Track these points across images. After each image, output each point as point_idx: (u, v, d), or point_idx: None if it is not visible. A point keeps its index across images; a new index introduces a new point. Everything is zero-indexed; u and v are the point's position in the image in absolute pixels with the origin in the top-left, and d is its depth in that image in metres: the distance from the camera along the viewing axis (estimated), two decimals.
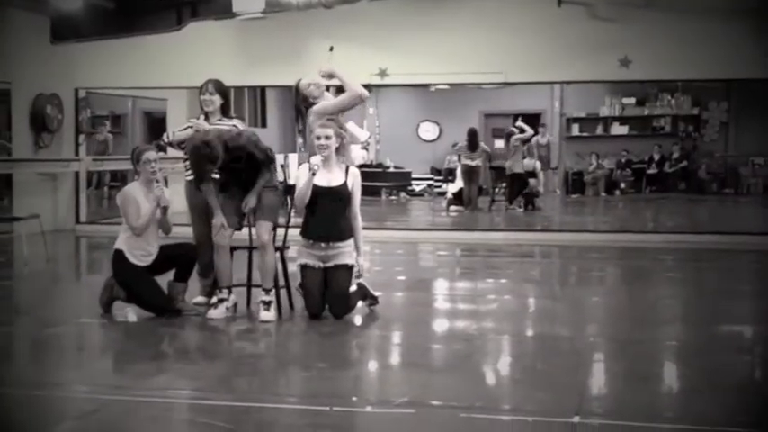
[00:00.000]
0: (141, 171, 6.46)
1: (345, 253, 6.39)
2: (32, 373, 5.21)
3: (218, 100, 6.78)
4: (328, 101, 6.90)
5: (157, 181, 6.47)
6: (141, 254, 6.42)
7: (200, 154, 6.24)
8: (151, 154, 6.47)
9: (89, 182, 14.42)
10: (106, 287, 6.54)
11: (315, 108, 6.79)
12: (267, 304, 6.31)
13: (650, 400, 4.48)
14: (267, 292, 6.35)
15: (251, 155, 6.38)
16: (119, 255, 6.42)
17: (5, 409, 4.38)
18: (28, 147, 12.48)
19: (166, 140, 7.23)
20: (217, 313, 6.35)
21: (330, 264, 6.38)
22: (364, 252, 6.60)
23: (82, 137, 13.37)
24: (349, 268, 6.40)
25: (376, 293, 6.73)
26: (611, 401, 4.57)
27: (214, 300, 6.48)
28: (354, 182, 6.48)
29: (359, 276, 6.55)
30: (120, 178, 15.12)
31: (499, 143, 16.12)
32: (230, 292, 6.47)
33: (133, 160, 6.51)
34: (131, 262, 6.39)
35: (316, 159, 6.34)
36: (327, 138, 6.35)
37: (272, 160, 6.52)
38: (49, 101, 12.62)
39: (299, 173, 6.52)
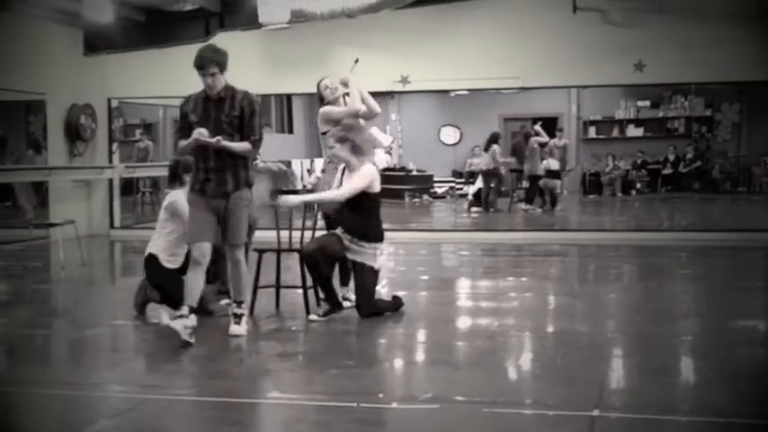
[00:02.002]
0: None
1: (368, 254, 6.51)
2: (69, 373, 5.38)
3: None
4: (335, 107, 7.03)
5: None
6: (172, 257, 6.60)
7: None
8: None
9: (132, 188, 14.67)
10: (140, 289, 6.73)
11: (321, 110, 7.01)
12: (239, 318, 6.07)
13: (667, 394, 4.57)
14: (239, 304, 6.10)
15: (242, 119, 5.87)
16: (151, 258, 6.61)
17: (44, 409, 4.51)
18: (63, 155, 12.79)
19: None
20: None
21: (351, 256, 6.52)
22: (386, 251, 6.70)
23: (115, 145, 13.60)
24: (375, 271, 6.54)
25: (400, 293, 6.91)
26: (630, 395, 4.64)
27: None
28: (363, 178, 6.47)
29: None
30: (152, 185, 15.42)
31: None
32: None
33: (179, 170, 6.63)
34: (163, 265, 6.58)
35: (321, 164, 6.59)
36: (331, 147, 6.59)
37: (258, 140, 5.96)
38: (83, 111, 12.91)
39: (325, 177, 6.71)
